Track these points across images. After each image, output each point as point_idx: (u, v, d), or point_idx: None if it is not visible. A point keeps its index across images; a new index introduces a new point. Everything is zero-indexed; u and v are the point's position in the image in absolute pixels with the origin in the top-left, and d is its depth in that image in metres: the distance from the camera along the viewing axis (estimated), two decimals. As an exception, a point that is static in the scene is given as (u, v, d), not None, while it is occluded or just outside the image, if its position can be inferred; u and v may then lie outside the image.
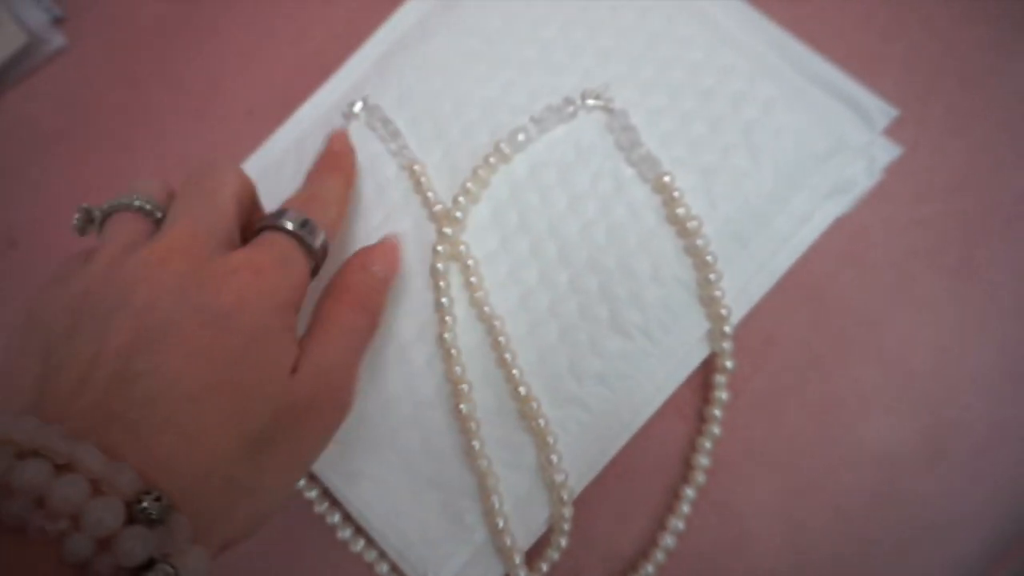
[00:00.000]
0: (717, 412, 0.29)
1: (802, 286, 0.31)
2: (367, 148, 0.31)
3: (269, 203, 0.26)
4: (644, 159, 0.29)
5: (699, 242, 0.28)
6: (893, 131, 0.31)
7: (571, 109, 0.30)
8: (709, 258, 0.28)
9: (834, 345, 0.31)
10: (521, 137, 0.30)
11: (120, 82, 0.36)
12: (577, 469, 0.28)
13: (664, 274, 0.29)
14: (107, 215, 0.23)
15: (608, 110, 0.30)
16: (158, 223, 0.23)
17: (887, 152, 0.30)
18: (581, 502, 0.29)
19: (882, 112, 0.30)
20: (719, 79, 0.30)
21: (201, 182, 0.23)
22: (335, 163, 0.29)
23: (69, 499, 0.16)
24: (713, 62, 0.30)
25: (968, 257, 0.31)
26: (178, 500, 0.17)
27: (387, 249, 0.28)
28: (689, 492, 0.29)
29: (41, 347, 0.20)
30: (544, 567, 0.28)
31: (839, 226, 0.31)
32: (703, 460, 0.29)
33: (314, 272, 0.25)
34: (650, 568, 0.29)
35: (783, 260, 0.29)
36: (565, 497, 0.27)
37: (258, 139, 0.33)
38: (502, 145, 0.30)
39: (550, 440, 0.27)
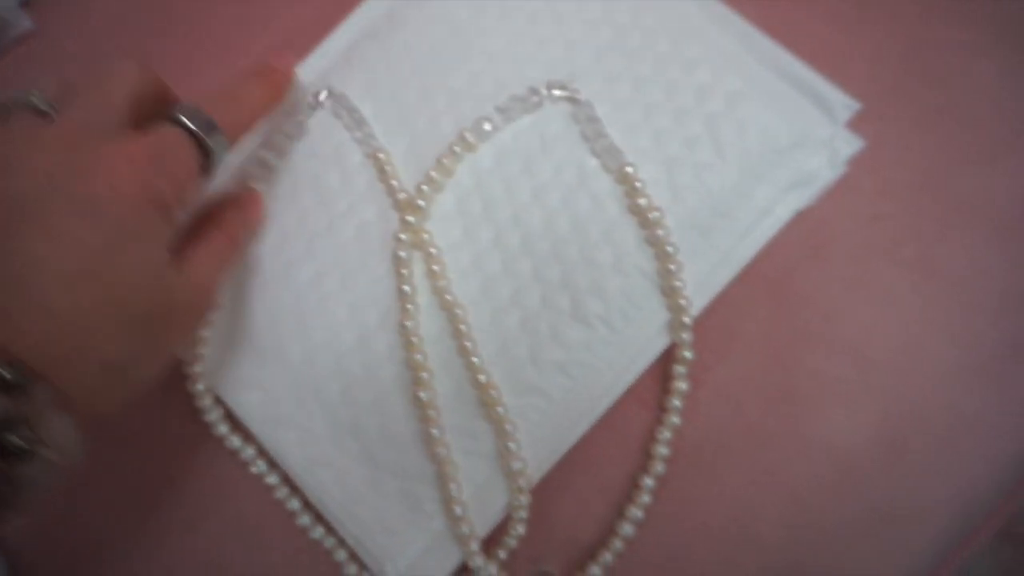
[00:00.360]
0: (677, 402, 0.29)
1: (764, 278, 0.31)
2: (332, 136, 0.31)
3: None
4: (607, 150, 0.29)
5: (660, 232, 0.28)
6: (858, 126, 0.31)
7: (536, 99, 0.30)
8: (670, 248, 0.28)
9: (794, 337, 0.31)
10: (487, 127, 0.30)
11: (85, 65, 0.36)
12: (537, 457, 0.28)
13: (626, 264, 0.29)
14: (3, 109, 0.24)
15: (573, 101, 0.30)
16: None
17: (849, 145, 0.30)
18: (541, 490, 0.29)
19: (844, 106, 0.30)
20: (684, 71, 0.30)
21: (95, 79, 0.24)
22: (264, 71, 0.29)
23: None
24: (678, 54, 0.31)
25: (928, 252, 0.31)
26: (48, 374, 0.18)
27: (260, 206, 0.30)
28: (649, 481, 0.29)
29: None
30: (502, 554, 0.28)
31: (801, 219, 0.31)
32: (663, 450, 0.29)
33: (208, 169, 0.25)
34: (608, 557, 0.29)
35: (744, 252, 0.30)
36: (523, 485, 0.28)
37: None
38: (467, 134, 0.30)
39: (509, 428, 0.28)
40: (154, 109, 0.25)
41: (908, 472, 0.30)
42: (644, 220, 0.28)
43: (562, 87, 0.30)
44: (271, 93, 0.29)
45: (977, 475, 0.31)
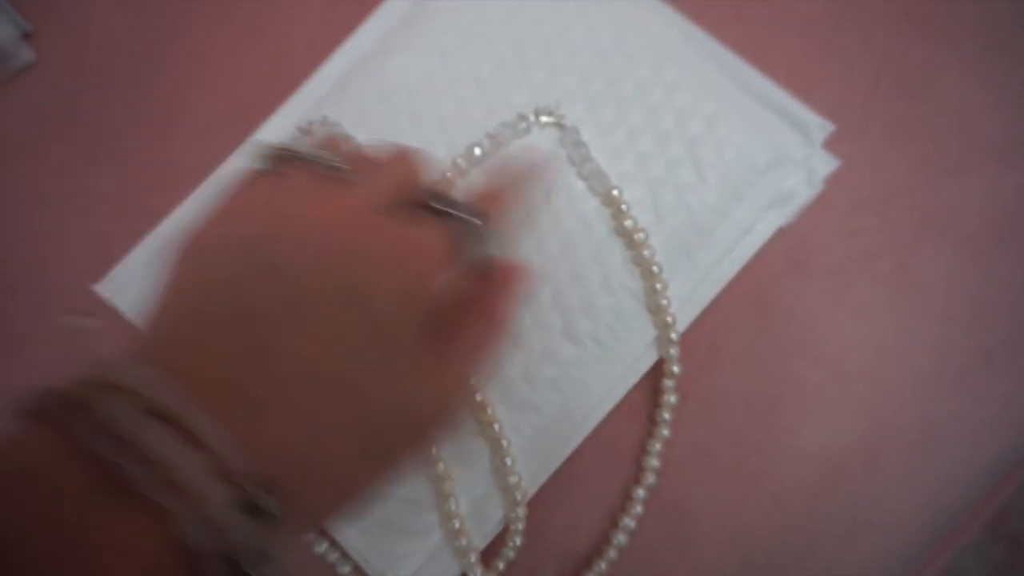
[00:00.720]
0: (666, 415, 0.31)
1: (746, 294, 0.32)
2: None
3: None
4: (594, 173, 0.30)
5: (646, 253, 0.29)
6: (832, 144, 0.32)
7: (524, 125, 0.32)
8: (655, 268, 0.29)
9: (776, 349, 0.32)
10: (477, 152, 0.31)
11: (86, 96, 0.37)
12: (531, 471, 0.29)
13: (613, 283, 0.30)
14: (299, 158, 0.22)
15: (560, 126, 0.32)
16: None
17: (826, 164, 0.32)
18: (536, 503, 0.30)
19: (820, 127, 0.31)
20: (665, 95, 0.32)
21: (391, 161, 0.23)
22: (531, 173, 0.28)
23: (192, 479, 0.15)
24: (659, 79, 0.32)
25: (903, 264, 0.33)
26: (286, 490, 0.16)
27: (526, 275, 0.26)
28: (640, 492, 0.30)
29: (190, 285, 0.19)
30: (500, 565, 0.29)
31: (781, 236, 0.32)
32: (653, 461, 0.31)
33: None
34: (603, 565, 0.30)
35: (727, 269, 0.31)
36: (519, 498, 0.29)
37: (221, 155, 0.34)
38: (459, 160, 0.31)
39: (504, 444, 0.29)
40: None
41: (886, 477, 0.32)
42: (630, 241, 0.30)
43: (549, 113, 0.32)
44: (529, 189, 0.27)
45: (954, 480, 0.32)
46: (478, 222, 0.22)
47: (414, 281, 0.20)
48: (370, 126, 0.33)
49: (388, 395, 0.19)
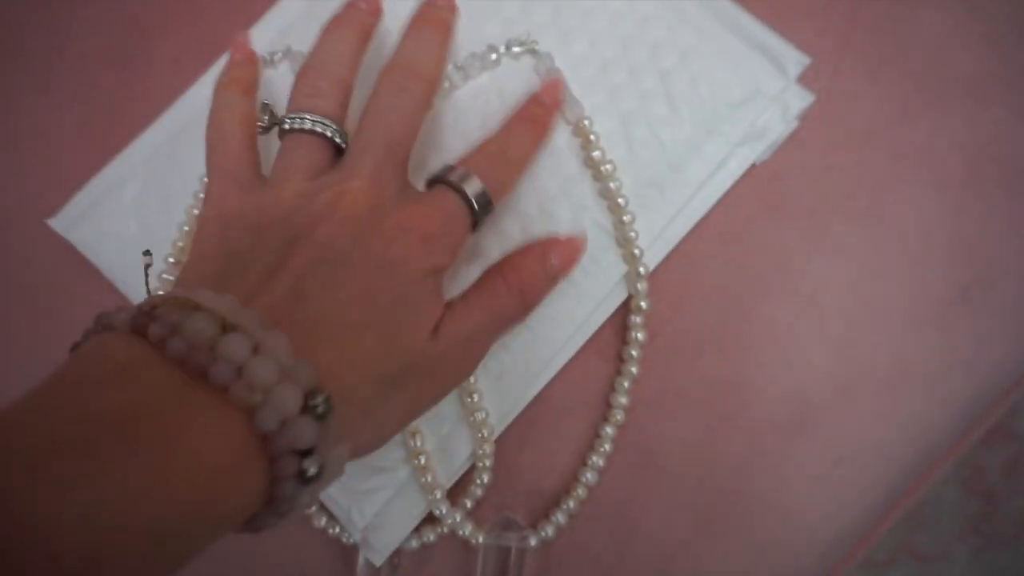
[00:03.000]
0: (635, 352, 0.30)
1: (720, 232, 0.32)
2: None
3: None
4: (566, 101, 0.30)
5: (612, 185, 0.29)
6: (809, 80, 0.32)
7: (494, 56, 0.31)
8: (621, 201, 0.29)
9: (749, 288, 0.32)
10: (445, 84, 0.30)
11: (44, 28, 0.36)
12: (499, 408, 0.29)
13: (583, 218, 0.29)
14: (288, 130, 0.26)
15: (533, 52, 0.31)
16: (338, 148, 0.26)
17: (801, 99, 0.31)
18: (504, 440, 0.30)
19: (795, 61, 0.31)
20: (639, 28, 0.31)
21: (383, 117, 0.25)
22: (537, 117, 0.28)
23: (263, 378, 0.17)
24: (633, 11, 0.31)
25: (878, 203, 0.32)
26: (338, 407, 0.19)
27: (572, 246, 0.28)
28: (608, 430, 0.30)
29: (223, 248, 0.23)
30: (468, 503, 0.29)
31: (756, 173, 0.32)
32: (622, 399, 0.30)
33: (474, 227, 0.26)
34: (571, 503, 0.30)
35: (700, 204, 0.30)
36: (486, 434, 0.28)
37: (180, 88, 0.33)
38: None
39: (471, 380, 0.28)
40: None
41: (859, 417, 0.31)
42: (597, 173, 0.29)
43: (521, 43, 0.31)
44: (539, 141, 0.28)
45: (927, 419, 0.32)
46: (478, 200, 0.25)
47: (436, 254, 0.23)
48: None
49: (414, 344, 0.22)
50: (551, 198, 0.29)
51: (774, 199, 0.32)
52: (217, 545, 0.18)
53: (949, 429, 0.33)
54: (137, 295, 0.31)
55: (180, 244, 0.31)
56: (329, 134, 0.25)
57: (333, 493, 0.29)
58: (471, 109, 0.30)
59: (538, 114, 0.28)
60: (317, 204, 0.23)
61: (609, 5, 0.31)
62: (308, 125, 0.25)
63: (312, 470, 0.18)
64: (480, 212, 0.25)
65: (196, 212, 0.31)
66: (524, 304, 0.26)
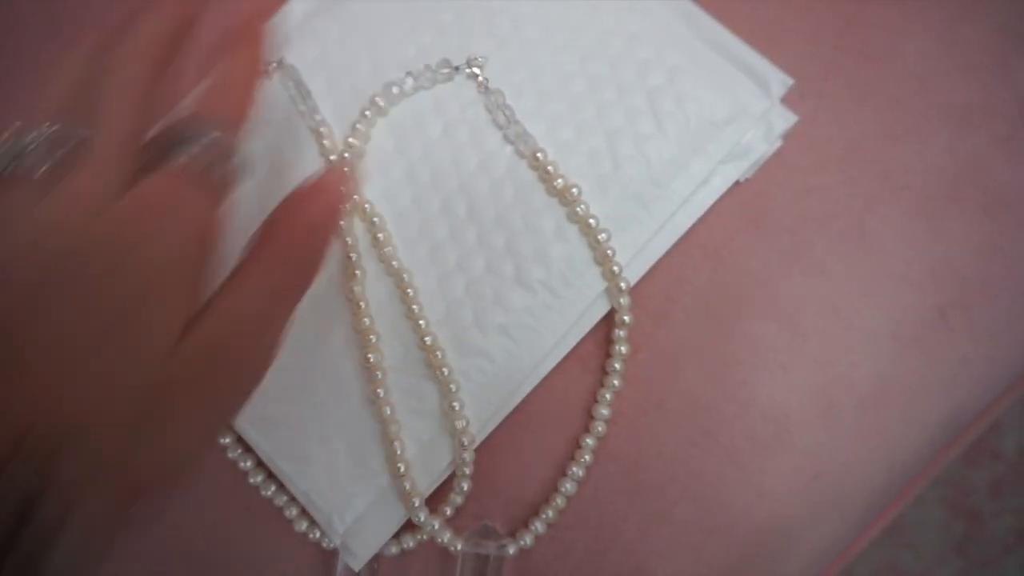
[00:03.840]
0: (618, 365, 0.31)
1: (702, 247, 0.32)
2: (280, 108, 0.32)
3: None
4: (519, 136, 0.30)
5: (579, 209, 0.29)
6: (794, 102, 0.32)
7: (446, 71, 0.31)
8: (592, 222, 0.29)
9: (731, 304, 0.32)
10: (395, 91, 0.31)
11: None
12: (481, 417, 0.29)
13: (567, 232, 0.30)
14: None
15: (482, 85, 0.31)
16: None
17: (784, 120, 0.31)
18: (485, 449, 0.30)
19: (780, 82, 0.31)
20: (627, 46, 0.31)
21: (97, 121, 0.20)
22: (243, 36, 0.24)
23: None
24: (622, 29, 0.32)
25: (859, 223, 0.33)
26: (67, 438, 0.17)
27: (327, 184, 0.23)
28: (590, 441, 0.30)
29: None
30: (448, 511, 0.29)
31: (739, 191, 0.32)
32: (604, 411, 0.31)
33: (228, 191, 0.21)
34: (550, 513, 0.30)
35: (682, 220, 0.31)
36: (466, 442, 0.29)
37: (176, 98, 0.33)
38: (377, 99, 0.31)
39: (453, 388, 0.29)
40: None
41: (838, 435, 0.32)
42: (564, 199, 0.30)
43: (479, 65, 0.31)
44: (256, 59, 0.24)
45: (905, 437, 0.32)
46: (212, 137, 0.20)
47: (172, 249, 0.19)
48: (330, 70, 0.32)
49: (149, 352, 0.19)
50: (536, 211, 0.30)
51: (757, 217, 0.33)
52: (194, 546, 0.18)
53: (927, 447, 0.33)
54: None
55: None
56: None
57: (314, 498, 0.29)
58: (459, 122, 0.31)
59: (245, 36, 0.24)
60: (45, 212, 0.19)
61: (598, 25, 0.32)
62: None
63: (41, 521, 0.16)
64: (217, 175, 0.21)
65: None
66: (296, 267, 0.22)
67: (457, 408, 0.29)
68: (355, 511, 0.29)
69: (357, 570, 0.29)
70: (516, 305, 0.29)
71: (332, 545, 0.29)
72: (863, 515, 0.33)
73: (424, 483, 0.29)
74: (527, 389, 0.30)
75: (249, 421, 0.30)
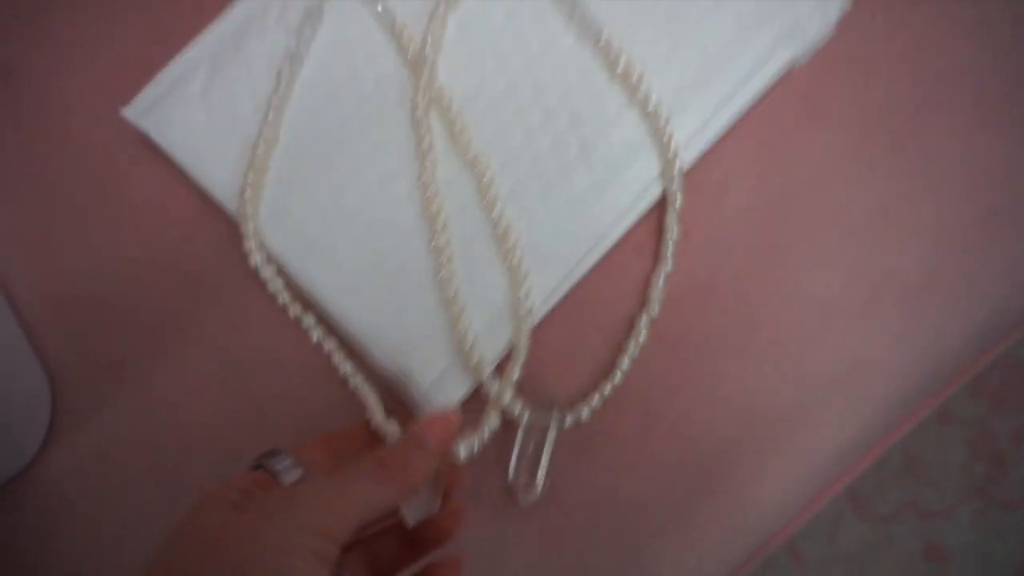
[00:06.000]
0: (670, 247, 0.32)
1: (757, 139, 0.33)
2: (355, 10, 0.33)
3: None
4: (583, 19, 0.31)
5: (640, 92, 0.31)
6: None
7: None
8: (651, 105, 0.30)
9: (783, 194, 0.33)
10: None
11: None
12: (541, 293, 0.31)
13: (627, 114, 0.31)
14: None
15: None
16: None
17: (838, 7, 0.32)
18: (545, 325, 0.32)
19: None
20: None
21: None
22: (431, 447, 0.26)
23: None
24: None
25: (914, 121, 0.33)
26: None
27: (443, 423, 0.26)
28: (645, 320, 0.32)
29: None
30: (508, 384, 0.31)
31: (794, 86, 0.33)
32: (657, 292, 0.32)
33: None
34: (608, 388, 0.31)
35: (738, 103, 0.32)
36: (527, 319, 0.30)
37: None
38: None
39: (514, 263, 0.30)
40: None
41: (881, 327, 0.33)
42: (625, 82, 0.31)
43: None
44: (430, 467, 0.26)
45: (946, 336, 0.33)
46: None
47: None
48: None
49: None
50: (598, 92, 0.31)
51: (811, 112, 0.33)
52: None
53: (966, 349, 0.34)
54: (206, 181, 0.33)
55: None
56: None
57: (391, 362, 0.30)
58: (521, 11, 0.32)
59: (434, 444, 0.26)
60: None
61: None
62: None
63: None
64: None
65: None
66: (391, 484, 0.24)
67: (520, 286, 0.30)
68: (430, 376, 0.30)
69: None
70: (579, 183, 0.30)
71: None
72: (897, 410, 0.34)
73: (491, 354, 0.31)
74: (587, 266, 0.31)
75: (326, 287, 0.31)
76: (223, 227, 0.33)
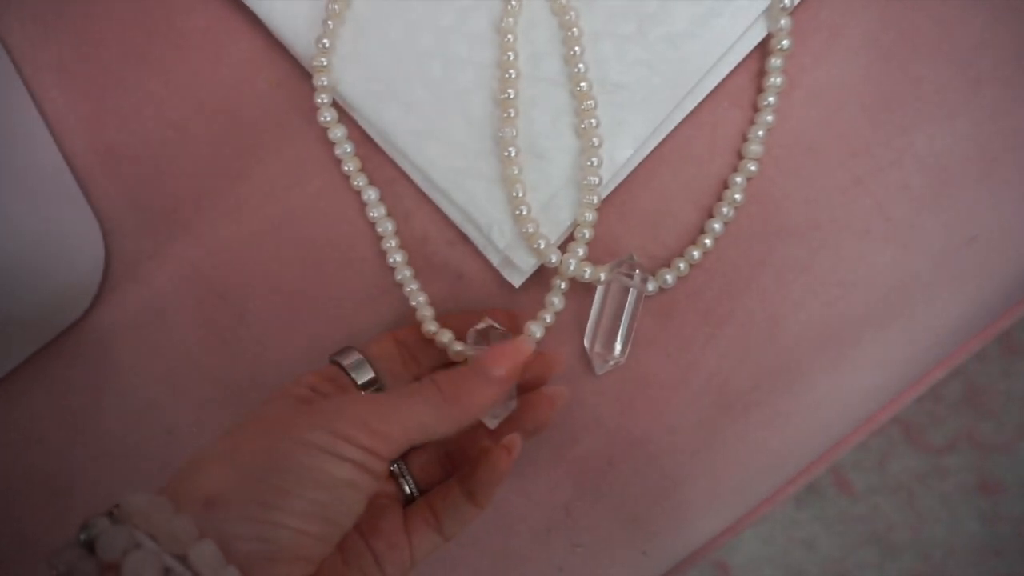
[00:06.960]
0: (771, 99, 0.29)
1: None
2: None
3: None
4: None
5: None
6: None
7: None
8: None
9: (900, 44, 0.29)
10: None
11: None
12: (631, 144, 0.28)
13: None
14: None
15: None
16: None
17: None
18: (627, 185, 0.29)
19: None
20: None
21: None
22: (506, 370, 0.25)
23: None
24: None
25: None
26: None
27: (509, 351, 0.25)
28: (739, 180, 0.29)
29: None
30: (579, 251, 0.28)
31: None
32: (755, 148, 0.29)
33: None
34: (696, 253, 0.29)
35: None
36: (601, 180, 0.28)
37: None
38: None
39: (590, 103, 0.27)
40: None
41: (1002, 198, 0.29)
42: None
43: None
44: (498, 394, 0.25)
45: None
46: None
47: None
48: None
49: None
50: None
51: None
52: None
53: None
54: (294, 43, 0.30)
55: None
56: None
57: (473, 212, 0.29)
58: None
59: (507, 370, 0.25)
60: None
61: None
62: None
63: None
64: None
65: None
66: (450, 410, 0.23)
67: (595, 135, 0.28)
68: (510, 230, 0.28)
69: (517, 286, 0.29)
70: (681, 14, 0.27)
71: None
72: (1014, 289, 0.31)
73: (565, 217, 0.29)
74: (679, 117, 0.28)
75: (402, 134, 0.29)
76: (283, 71, 0.31)
